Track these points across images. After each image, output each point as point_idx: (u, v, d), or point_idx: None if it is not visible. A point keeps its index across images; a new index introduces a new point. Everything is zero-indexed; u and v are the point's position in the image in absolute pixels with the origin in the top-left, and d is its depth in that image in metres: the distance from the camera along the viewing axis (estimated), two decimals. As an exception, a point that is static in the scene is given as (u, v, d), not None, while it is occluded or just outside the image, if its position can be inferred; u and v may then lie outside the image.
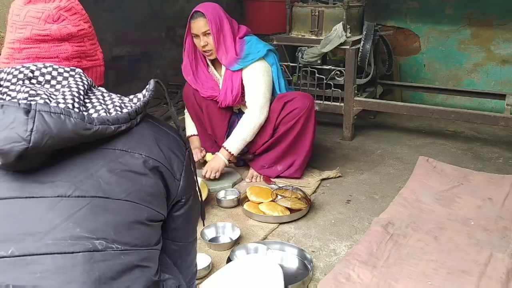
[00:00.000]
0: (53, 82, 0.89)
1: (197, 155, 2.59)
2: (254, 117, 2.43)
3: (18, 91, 0.84)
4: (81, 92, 0.87)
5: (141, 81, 3.60)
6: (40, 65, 0.90)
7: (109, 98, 0.92)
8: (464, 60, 3.85)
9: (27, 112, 0.76)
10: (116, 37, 3.76)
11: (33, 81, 0.87)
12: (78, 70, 0.92)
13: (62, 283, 0.74)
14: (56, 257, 0.75)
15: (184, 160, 0.97)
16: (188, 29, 2.42)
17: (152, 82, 0.96)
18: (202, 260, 1.70)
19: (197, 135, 2.74)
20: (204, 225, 1.98)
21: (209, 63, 2.56)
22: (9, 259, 0.75)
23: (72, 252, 0.76)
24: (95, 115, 0.85)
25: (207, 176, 2.43)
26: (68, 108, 0.82)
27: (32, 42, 0.92)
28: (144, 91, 0.96)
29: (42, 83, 0.88)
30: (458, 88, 3.72)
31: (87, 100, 0.88)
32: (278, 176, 2.55)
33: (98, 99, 0.90)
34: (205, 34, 2.37)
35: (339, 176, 2.60)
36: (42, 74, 0.88)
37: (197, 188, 1.05)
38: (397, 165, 2.80)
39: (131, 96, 0.95)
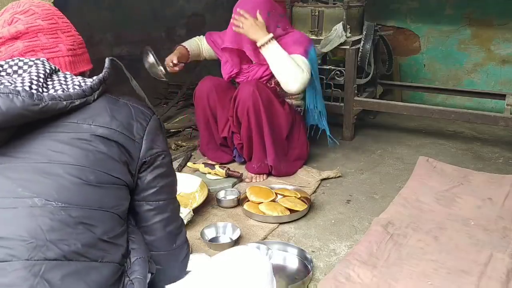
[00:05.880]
0: (20, 71, 0.98)
1: (170, 58, 2.59)
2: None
3: None
4: (41, 75, 0.96)
5: (141, 81, 3.59)
6: (9, 60, 1.00)
7: (70, 79, 1.01)
8: (464, 60, 3.85)
9: None
10: (116, 37, 3.76)
11: (3, 73, 0.98)
12: (42, 58, 1.02)
13: (6, 232, 0.86)
14: (1, 211, 0.87)
15: (147, 124, 1.04)
16: None
17: (107, 60, 1.07)
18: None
19: (186, 48, 2.69)
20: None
21: None
22: None
23: (14, 208, 0.87)
24: (51, 92, 0.95)
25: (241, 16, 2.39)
26: (22, 88, 0.91)
27: None
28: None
29: (11, 74, 0.98)
30: (458, 88, 3.71)
31: (49, 82, 0.98)
32: (274, 175, 2.56)
33: (59, 80, 0.99)
34: None
35: (339, 176, 2.60)
36: (10, 66, 0.99)
37: (167, 151, 1.12)
38: (397, 165, 2.80)
39: (94, 77, 1.03)
